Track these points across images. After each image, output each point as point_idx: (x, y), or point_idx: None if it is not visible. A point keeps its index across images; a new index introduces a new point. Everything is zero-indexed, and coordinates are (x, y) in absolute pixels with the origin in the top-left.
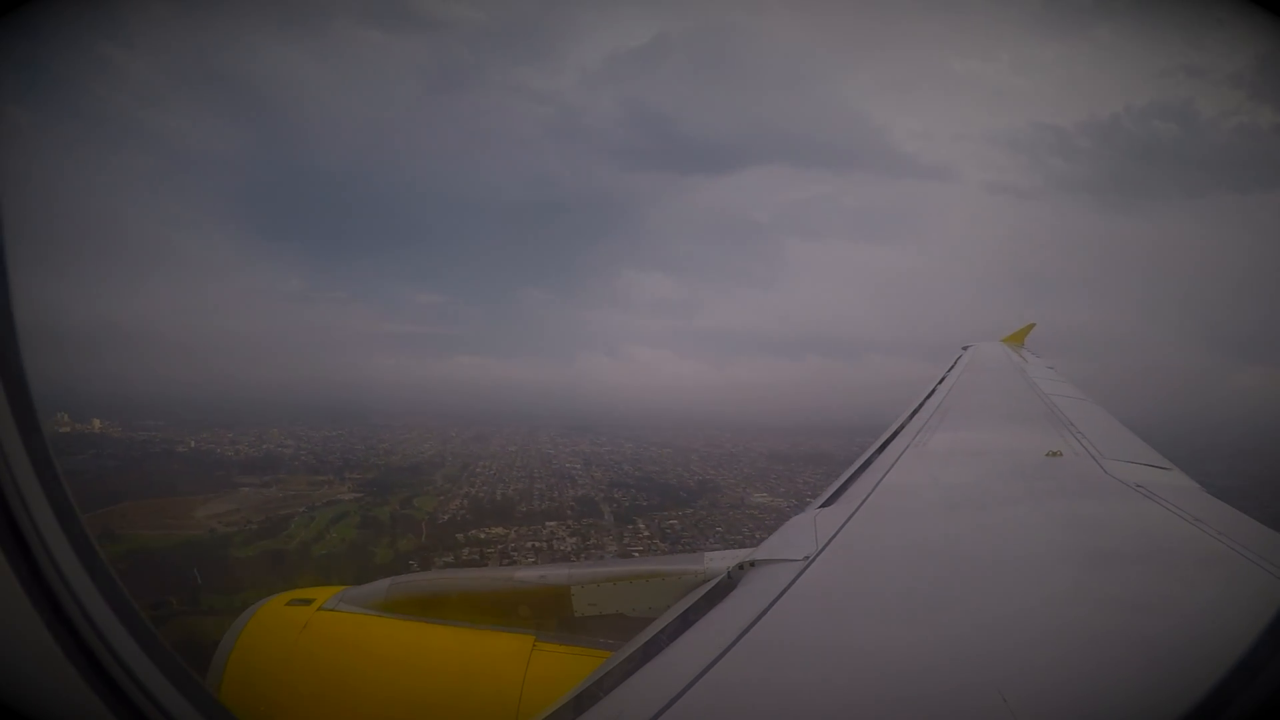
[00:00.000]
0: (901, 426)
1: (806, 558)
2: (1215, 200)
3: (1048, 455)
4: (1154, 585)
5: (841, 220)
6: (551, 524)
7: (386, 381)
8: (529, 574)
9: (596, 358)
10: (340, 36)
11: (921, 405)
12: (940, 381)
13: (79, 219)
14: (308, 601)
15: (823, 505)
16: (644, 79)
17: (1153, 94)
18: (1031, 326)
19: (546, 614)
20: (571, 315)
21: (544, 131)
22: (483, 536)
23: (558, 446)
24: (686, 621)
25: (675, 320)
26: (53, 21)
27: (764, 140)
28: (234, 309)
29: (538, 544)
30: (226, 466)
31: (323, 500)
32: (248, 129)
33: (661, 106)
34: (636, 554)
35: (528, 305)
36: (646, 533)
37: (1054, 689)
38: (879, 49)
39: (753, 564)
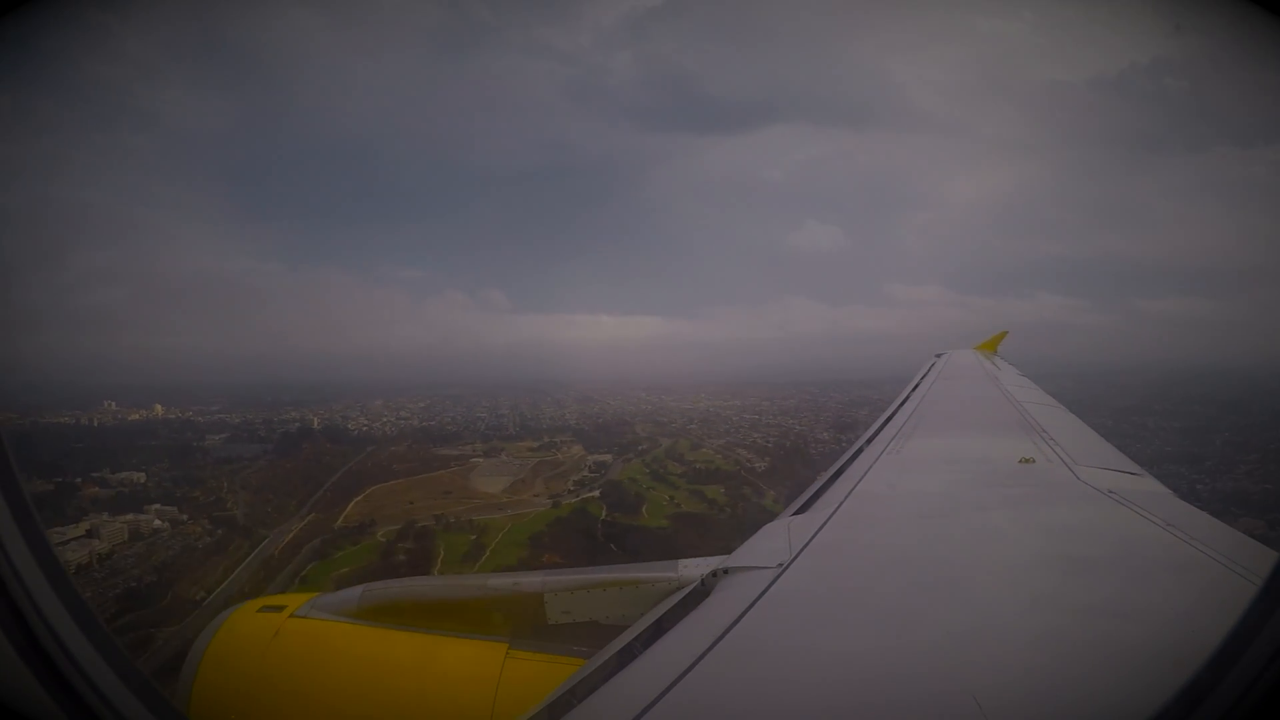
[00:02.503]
0: (876, 433)
1: (780, 565)
2: (1217, 154)
3: (1020, 462)
4: (1126, 590)
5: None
6: None
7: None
8: (502, 581)
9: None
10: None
11: (895, 412)
12: (914, 389)
13: (59, 206)
14: (280, 608)
15: (796, 512)
16: (661, 37)
17: (1159, 50)
18: (1004, 335)
19: (520, 621)
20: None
21: (561, 94)
22: None
23: (676, 402)
24: (660, 629)
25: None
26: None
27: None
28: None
29: None
30: (396, 441)
31: (583, 463)
32: (247, 100)
33: (681, 65)
34: None
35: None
36: None
37: (1028, 694)
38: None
39: (726, 571)
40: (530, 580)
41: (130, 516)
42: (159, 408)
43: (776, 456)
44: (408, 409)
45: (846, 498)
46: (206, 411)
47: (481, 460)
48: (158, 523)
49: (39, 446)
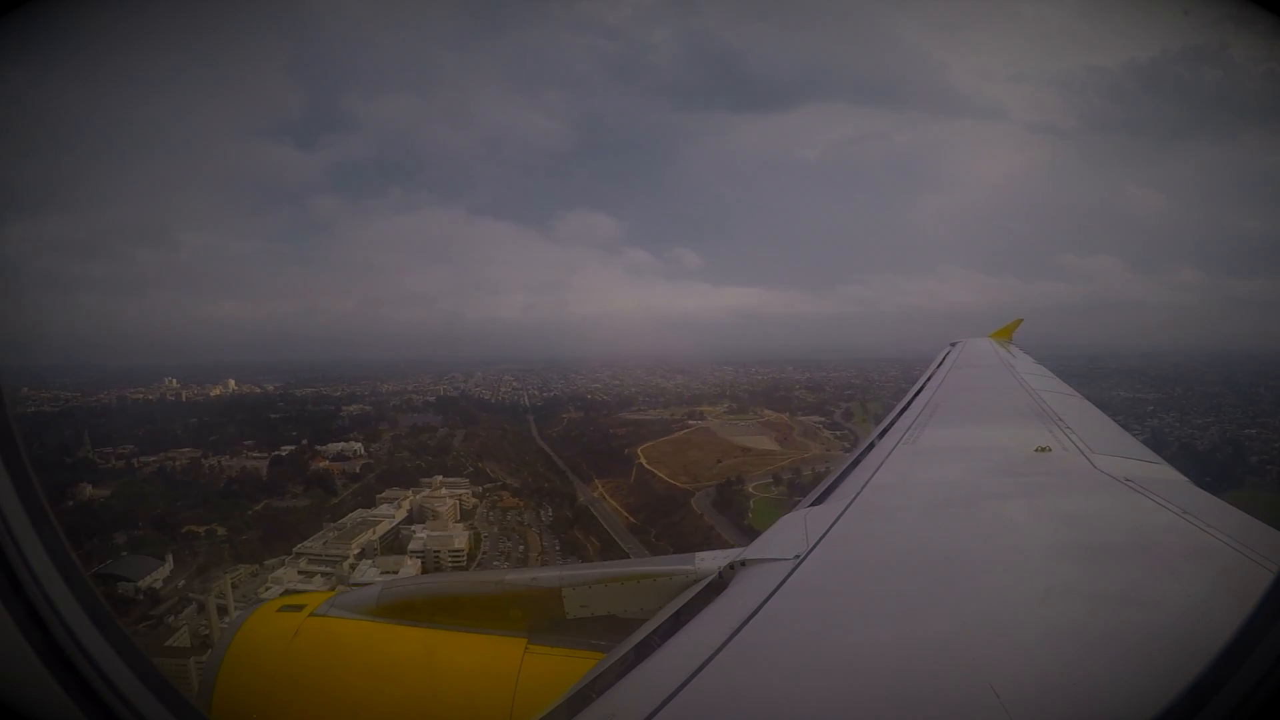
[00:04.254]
0: (891, 423)
1: (797, 556)
2: (1247, 141)
3: (1037, 451)
4: (1144, 579)
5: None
6: None
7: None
8: (520, 576)
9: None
10: None
11: (911, 402)
12: (929, 378)
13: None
14: (299, 608)
15: (813, 504)
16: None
17: (1191, 38)
18: (1019, 322)
19: (538, 616)
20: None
21: (600, 69)
22: None
23: (775, 374)
24: (678, 622)
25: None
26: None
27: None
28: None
29: None
30: (555, 409)
31: (811, 424)
32: (285, 70)
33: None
34: None
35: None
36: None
37: (1045, 683)
38: None
39: (744, 564)
40: (548, 575)
41: (443, 493)
42: (232, 383)
43: None
44: (508, 383)
45: (863, 488)
46: (288, 385)
47: (702, 423)
48: (473, 500)
49: (153, 423)
